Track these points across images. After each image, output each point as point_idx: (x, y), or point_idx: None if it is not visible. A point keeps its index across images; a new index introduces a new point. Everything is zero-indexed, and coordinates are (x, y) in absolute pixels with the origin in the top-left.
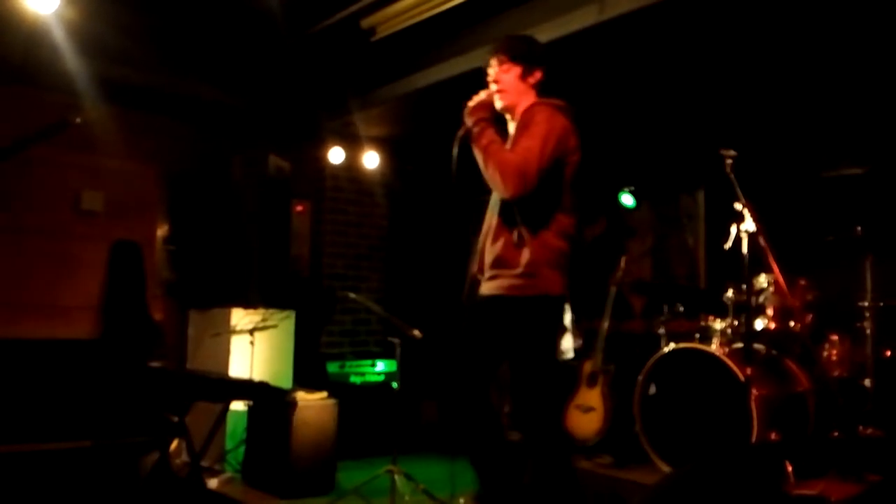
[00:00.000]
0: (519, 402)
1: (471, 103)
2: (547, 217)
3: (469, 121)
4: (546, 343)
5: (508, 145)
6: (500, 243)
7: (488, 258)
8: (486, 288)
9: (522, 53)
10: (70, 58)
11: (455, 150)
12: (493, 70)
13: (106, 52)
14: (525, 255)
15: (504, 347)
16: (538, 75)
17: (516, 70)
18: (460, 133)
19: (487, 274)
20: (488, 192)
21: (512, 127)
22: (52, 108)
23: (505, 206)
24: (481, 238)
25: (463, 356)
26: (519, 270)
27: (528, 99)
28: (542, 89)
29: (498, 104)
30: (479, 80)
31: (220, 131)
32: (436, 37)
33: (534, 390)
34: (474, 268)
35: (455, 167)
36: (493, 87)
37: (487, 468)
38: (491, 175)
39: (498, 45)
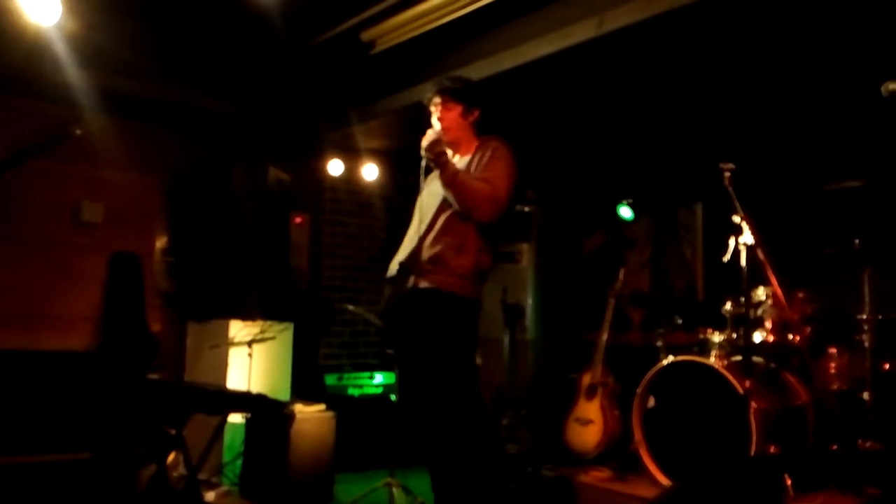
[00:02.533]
0: (429, 401)
1: (425, 141)
2: (491, 235)
3: (429, 155)
4: (465, 342)
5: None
6: (441, 245)
7: (427, 254)
8: (420, 281)
9: (462, 94)
10: (71, 69)
11: (421, 179)
12: (436, 109)
13: (107, 63)
14: (464, 260)
15: (424, 340)
16: (476, 114)
17: (457, 109)
18: (423, 164)
19: (423, 268)
20: None
21: (457, 158)
22: (53, 120)
23: (456, 217)
24: (416, 234)
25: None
26: (458, 272)
27: (468, 135)
28: (479, 127)
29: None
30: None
31: (220, 143)
32: (435, 50)
33: (444, 388)
34: (396, 262)
35: (420, 192)
36: (436, 124)
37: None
38: (463, 201)
39: (439, 87)
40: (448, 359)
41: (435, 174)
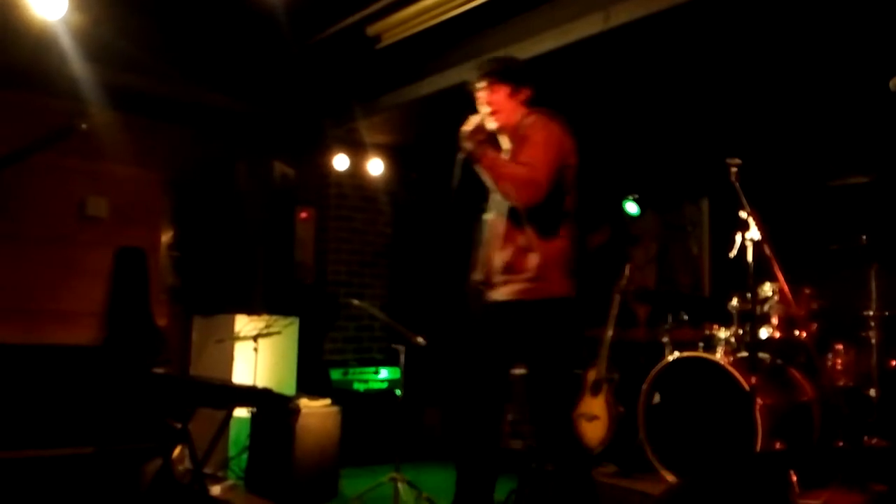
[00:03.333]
0: (536, 410)
1: (465, 128)
2: (553, 222)
3: (468, 144)
4: (559, 346)
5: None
6: (508, 250)
7: (497, 264)
8: (498, 294)
9: (508, 73)
10: (77, 64)
11: (457, 172)
12: (482, 93)
13: (113, 58)
14: (533, 259)
15: (515, 352)
16: (527, 92)
17: (505, 89)
18: (460, 156)
19: (497, 280)
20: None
21: (506, 142)
22: (59, 114)
23: (512, 213)
24: (485, 246)
25: (476, 365)
26: (528, 275)
27: (520, 116)
28: (530, 106)
29: (492, 125)
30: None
31: (226, 138)
32: (441, 44)
33: (550, 396)
34: (478, 276)
35: (456, 186)
36: (483, 109)
37: (475, 478)
38: (503, 189)
39: (484, 68)
40: (545, 368)
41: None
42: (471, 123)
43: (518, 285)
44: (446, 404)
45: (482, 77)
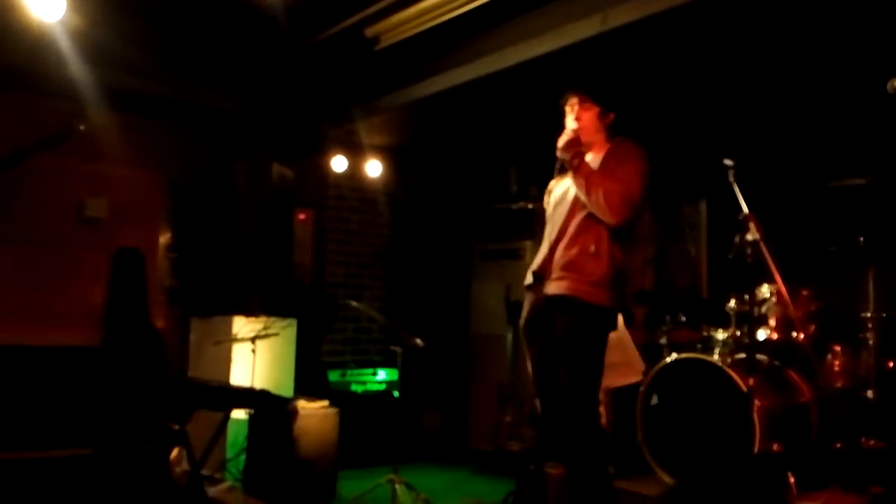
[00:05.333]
0: (563, 412)
1: (562, 140)
2: (627, 235)
3: (566, 155)
4: (597, 352)
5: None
6: (575, 250)
7: (561, 260)
8: (553, 287)
9: (602, 96)
10: (75, 65)
11: (554, 179)
12: (572, 109)
13: (111, 59)
14: (599, 265)
15: (560, 348)
16: (612, 117)
17: (595, 110)
18: (557, 165)
19: (556, 274)
20: (498, 201)
21: (590, 157)
22: (57, 116)
23: (588, 219)
24: (548, 240)
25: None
26: (591, 279)
27: (602, 136)
28: (613, 129)
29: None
30: (482, 89)
31: (224, 139)
32: (439, 46)
33: (579, 398)
34: (533, 268)
35: (550, 192)
36: (573, 124)
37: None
38: (595, 200)
39: (580, 88)
40: (579, 366)
41: (560, 178)
42: (566, 136)
43: (575, 284)
44: (445, 406)
45: (577, 93)
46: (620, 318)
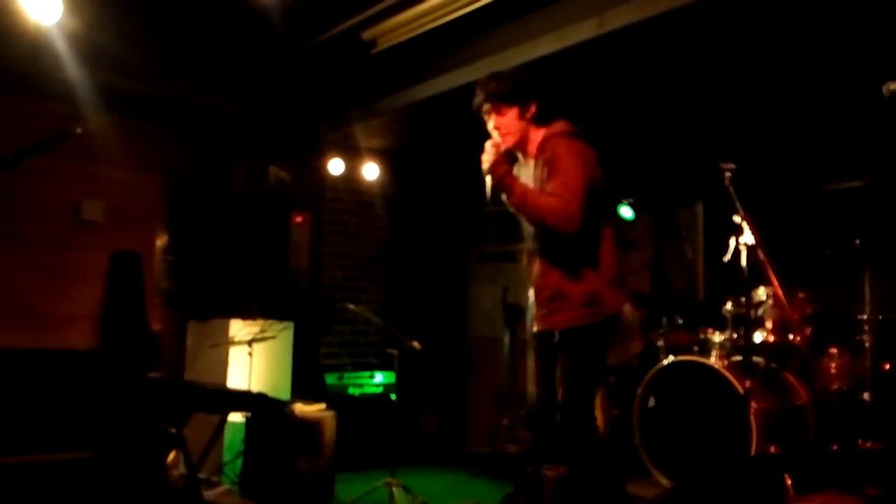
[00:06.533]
0: (566, 416)
1: (486, 163)
2: (595, 242)
3: (493, 179)
4: (600, 361)
5: (525, 176)
6: (552, 279)
7: (544, 294)
8: (546, 324)
9: (513, 94)
10: (72, 68)
11: (488, 198)
12: (489, 117)
13: (108, 62)
14: (582, 286)
15: (566, 364)
16: (533, 108)
17: (513, 111)
18: (489, 190)
19: (543, 310)
20: (494, 204)
21: (527, 169)
22: (54, 118)
23: (548, 242)
24: (531, 270)
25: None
26: (580, 301)
27: (531, 132)
28: (539, 118)
29: (505, 146)
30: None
31: (221, 142)
32: (436, 49)
33: (582, 403)
34: (531, 297)
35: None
36: (495, 133)
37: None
38: (536, 222)
39: (487, 93)
40: (582, 374)
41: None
42: (489, 153)
43: (568, 313)
44: (443, 409)
45: (487, 101)
46: (626, 305)
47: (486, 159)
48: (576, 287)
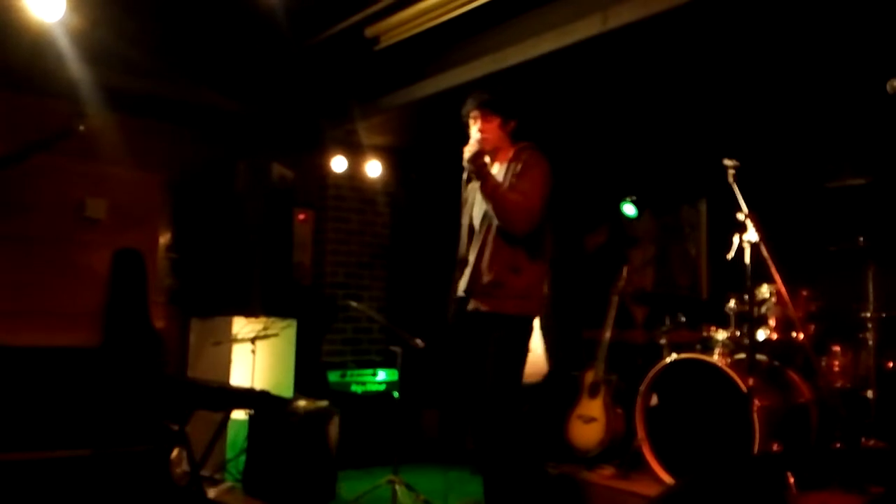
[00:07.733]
0: (491, 410)
1: (468, 153)
2: (540, 246)
3: (472, 167)
4: (522, 356)
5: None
6: (497, 266)
7: (485, 279)
8: (483, 304)
9: (500, 106)
10: (74, 65)
11: (462, 188)
12: (475, 121)
13: (111, 59)
14: (521, 280)
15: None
16: (513, 124)
17: (496, 120)
18: (465, 176)
19: (484, 292)
20: None
21: (496, 168)
22: (57, 116)
23: (502, 235)
24: (472, 259)
25: (467, 370)
26: (516, 293)
27: (505, 144)
28: (515, 135)
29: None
30: (482, 89)
31: (224, 139)
32: (440, 46)
33: (506, 397)
34: (462, 286)
35: (465, 201)
36: (476, 135)
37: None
38: (500, 215)
39: (479, 98)
40: (504, 371)
41: (475, 184)
42: (471, 148)
43: (502, 301)
44: (444, 406)
45: (477, 107)
46: (536, 322)
47: (469, 149)
48: (511, 280)
